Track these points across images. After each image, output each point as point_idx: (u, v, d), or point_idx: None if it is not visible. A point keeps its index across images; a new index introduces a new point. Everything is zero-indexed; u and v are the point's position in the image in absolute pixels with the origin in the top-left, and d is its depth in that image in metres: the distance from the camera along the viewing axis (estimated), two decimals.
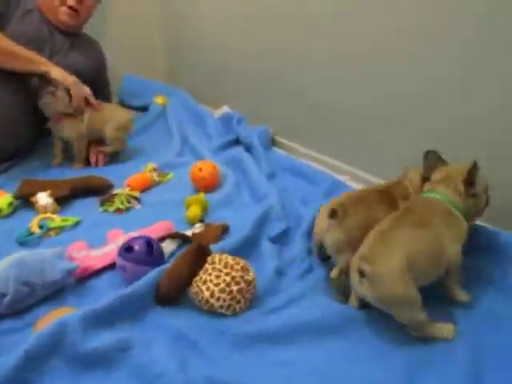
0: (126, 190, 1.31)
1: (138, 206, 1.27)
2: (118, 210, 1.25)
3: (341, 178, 1.31)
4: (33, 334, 0.76)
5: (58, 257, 0.92)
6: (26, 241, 1.08)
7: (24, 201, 1.24)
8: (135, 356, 0.75)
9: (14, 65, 1.29)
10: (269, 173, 1.37)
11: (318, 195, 1.23)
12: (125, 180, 1.36)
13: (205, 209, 1.21)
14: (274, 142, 1.60)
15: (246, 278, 0.83)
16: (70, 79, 1.37)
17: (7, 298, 0.82)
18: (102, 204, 1.26)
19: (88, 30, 1.64)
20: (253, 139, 1.50)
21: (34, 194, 1.21)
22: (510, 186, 0.97)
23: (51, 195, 1.21)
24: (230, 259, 0.84)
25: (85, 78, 1.51)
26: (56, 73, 1.34)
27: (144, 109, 1.93)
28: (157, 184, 1.40)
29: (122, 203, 1.26)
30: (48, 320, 0.78)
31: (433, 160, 0.91)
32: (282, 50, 1.51)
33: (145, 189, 1.36)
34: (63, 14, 1.43)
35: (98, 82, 1.63)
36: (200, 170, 1.33)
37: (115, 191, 1.31)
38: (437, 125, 1.09)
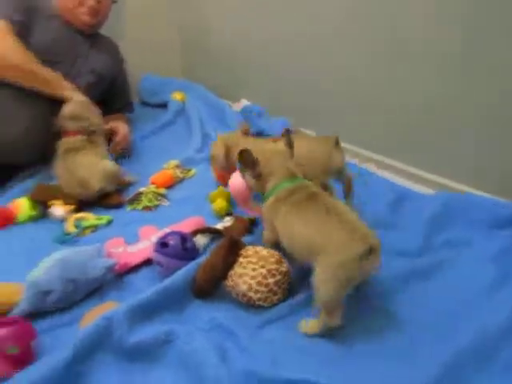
0: (152, 188, 1.33)
1: (166, 203, 1.29)
2: (147, 208, 1.27)
3: (366, 165, 1.31)
4: (80, 329, 0.79)
5: (98, 254, 0.95)
6: (64, 241, 1.11)
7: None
8: (178, 347, 0.77)
9: (32, 85, 1.31)
10: None
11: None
12: (148, 178, 1.38)
13: (229, 201, 1.22)
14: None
15: (281, 269, 0.85)
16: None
17: (53, 296, 0.86)
18: (129, 203, 1.29)
19: (104, 31, 1.66)
20: (274, 132, 1.50)
21: (46, 199, 1.22)
22: None
23: (64, 204, 1.21)
24: (264, 252, 0.85)
25: (105, 79, 1.54)
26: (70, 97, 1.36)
27: (163, 106, 1.95)
28: (180, 180, 1.42)
29: (149, 201, 1.29)
30: (93, 315, 0.81)
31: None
32: (301, 39, 1.50)
33: (169, 186, 1.38)
34: (83, 15, 1.45)
35: (118, 83, 1.66)
36: None
37: (141, 189, 1.33)
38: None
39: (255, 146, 0.98)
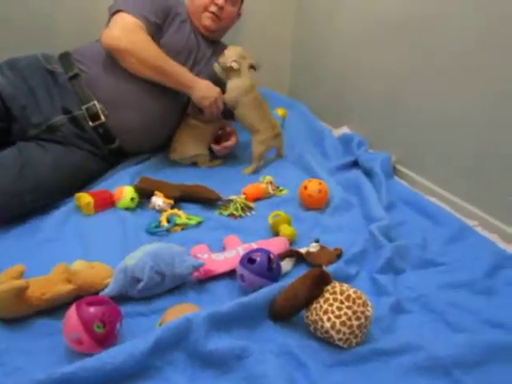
0: (242, 198, 1.36)
1: (250, 215, 1.31)
2: (232, 216, 1.30)
3: (469, 222, 1.22)
4: (161, 324, 0.82)
5: (185, 253, 0.99)
6: (155, 232, 1.17)
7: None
8: (250, 366, 0.77)
9: (159, 79, 1.42)
10: (388, 203, 1.32)
11: (441, 237, 1.16)
12: (242, 188, 1.41)
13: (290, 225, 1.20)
14: (394, 171, 1.55)
15: (367, 313, 0.81)
16: (205, 103, 1.49)
17: (141, 284, 0.90)
18: (218, 207, 1.33)
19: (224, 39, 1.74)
20: (374, 165, 1.46)
21: (149, 191, 1.29)
22: None
23: (164, 197, 1.27)
24: (351, 292, 0.82)
25: (220, 85, 1.61)
26: (196, 94, 1.47)
27: None
28: (270, 197, 1.43)
29: (236, 210, 1.31)
30: (174, 313, 0.83)
31: None
32: (413, 71, 1.45)
33: (258, 199, 1.40)
34: (206, 19, 1.55)
35: None
36: (305, 188, 1.34)
37: (231, 197, 1.36)
38: None
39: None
